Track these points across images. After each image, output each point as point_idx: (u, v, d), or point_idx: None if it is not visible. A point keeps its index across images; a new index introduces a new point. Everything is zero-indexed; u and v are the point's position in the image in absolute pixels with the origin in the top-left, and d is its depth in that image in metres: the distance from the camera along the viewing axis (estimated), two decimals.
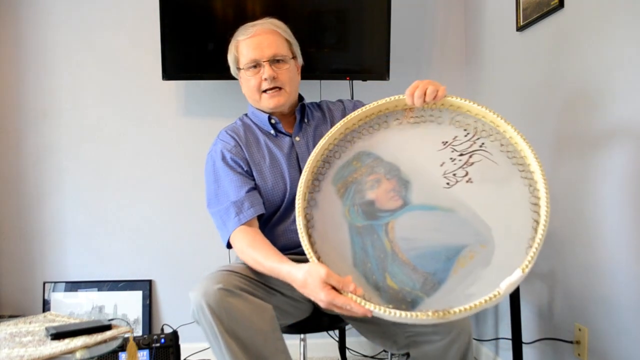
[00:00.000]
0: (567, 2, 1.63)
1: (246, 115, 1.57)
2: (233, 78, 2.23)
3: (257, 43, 1.41)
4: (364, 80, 2.29)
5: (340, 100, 1.62)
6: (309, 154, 1.47)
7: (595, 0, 1.51)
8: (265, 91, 1.44)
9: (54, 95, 2.33)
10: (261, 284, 1.29)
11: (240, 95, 2.28)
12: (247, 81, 1.46)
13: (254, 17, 1.52)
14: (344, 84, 2.36)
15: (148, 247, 2.36)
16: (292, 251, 1.40)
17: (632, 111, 1.38)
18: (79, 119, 2.34)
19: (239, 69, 1.48)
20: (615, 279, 1.45)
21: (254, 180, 1.42)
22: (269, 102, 1.44)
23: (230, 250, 2.24)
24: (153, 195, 2.36)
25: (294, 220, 1.41)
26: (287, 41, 1.47)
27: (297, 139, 1.48)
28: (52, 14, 2.32)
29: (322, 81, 2.34)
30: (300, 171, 1.45)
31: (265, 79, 1.41)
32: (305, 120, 1.52)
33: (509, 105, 2.07)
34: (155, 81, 2.29)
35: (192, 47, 2.18)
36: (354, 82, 2.35)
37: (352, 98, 2.34)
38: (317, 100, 1.67)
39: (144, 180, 2.36)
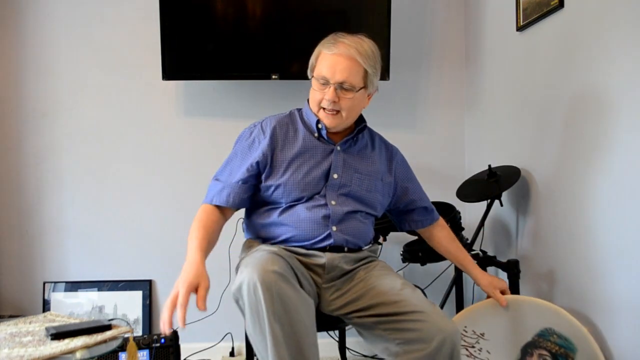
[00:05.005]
0: (567, 2, 1.63)
1: (299, 110, 1.57)
2: (233, 78, 2.24)
3: (332, 63, 1.41)
4: None
5: (393, 147, 1.63)
6: (342, 168, 1.47)
7: (595, 0, 1.51)
8: (323, 108, 1.46)
9: (54, 95, 2.33)
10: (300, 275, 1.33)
11: (240, 95, 2.27)
12: (314, 91, 1.47)
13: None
14: None
15: (148, 247, 2.36)
16: (274, 241, 1.43)
17: (632, 110, 1.38)
18: (79, 119, 2.34)
19: (312, 74, 1.48)
20: (615, 279, 1.45)
21: (255, 175, 1.44)
22: (324, 119, 1.47)
23: (231, 249, 2.24)
24: (153, 195, 2.36)
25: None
26: (365, 70, 1.44)
27: (339, 148, 1.49)
28: (52, 15, 2.32)
29: None
30: (327, 178, 1.46)
31: (327, 100, 1.43)
32: (355, 138, 1.53)
33: (508, 105, 2.07)
34: (155, 81, 2.29)
35: (192, 46, 2.18)
36: None
37: None
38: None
39: (144, 180, 2.36)
